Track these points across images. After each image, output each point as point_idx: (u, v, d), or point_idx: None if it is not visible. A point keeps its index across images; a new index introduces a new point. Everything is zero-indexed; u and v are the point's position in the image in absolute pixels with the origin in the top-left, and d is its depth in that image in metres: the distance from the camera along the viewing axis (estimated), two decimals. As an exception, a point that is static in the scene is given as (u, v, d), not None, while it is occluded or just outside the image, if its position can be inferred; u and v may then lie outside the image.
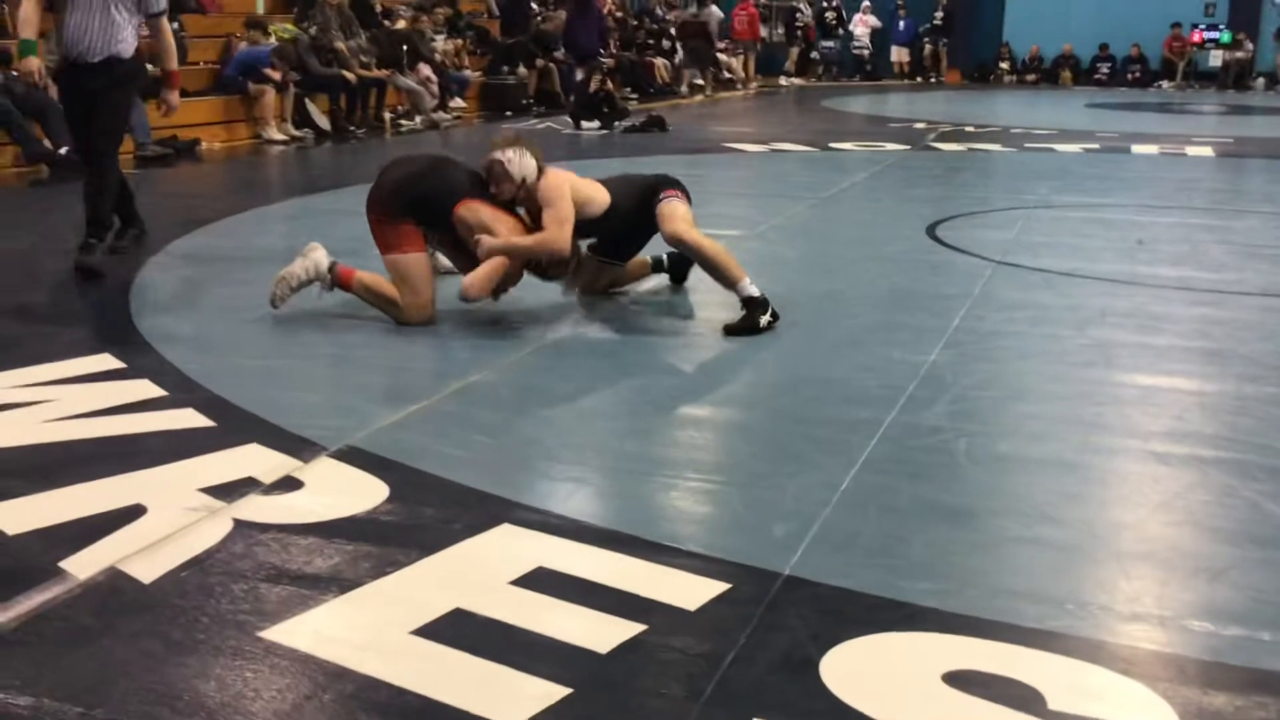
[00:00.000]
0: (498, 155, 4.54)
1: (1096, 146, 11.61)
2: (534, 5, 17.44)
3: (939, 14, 23.46)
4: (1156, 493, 3.07)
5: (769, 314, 4.50)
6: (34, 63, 5.33)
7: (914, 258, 6.03)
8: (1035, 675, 2.11)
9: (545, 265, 4.63)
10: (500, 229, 4.47)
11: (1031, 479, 3.13)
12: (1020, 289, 5.28)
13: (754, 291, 4.53)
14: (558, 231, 4.46)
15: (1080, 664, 2.18)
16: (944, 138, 12.34)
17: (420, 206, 4.48)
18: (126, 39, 5.33)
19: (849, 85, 22.14)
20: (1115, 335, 4.50)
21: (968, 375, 3.96)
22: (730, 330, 4.49)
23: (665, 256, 5.19)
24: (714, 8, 20.36)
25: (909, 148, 11.35)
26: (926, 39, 23.66)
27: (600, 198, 4.71)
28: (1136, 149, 11.44)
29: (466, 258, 4.56)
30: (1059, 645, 2.25)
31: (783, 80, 22.38)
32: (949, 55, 23.83)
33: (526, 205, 4.63)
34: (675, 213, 4.68)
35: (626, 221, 4.81)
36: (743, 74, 21.88)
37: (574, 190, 4.60)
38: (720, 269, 4.61)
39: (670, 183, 4.84)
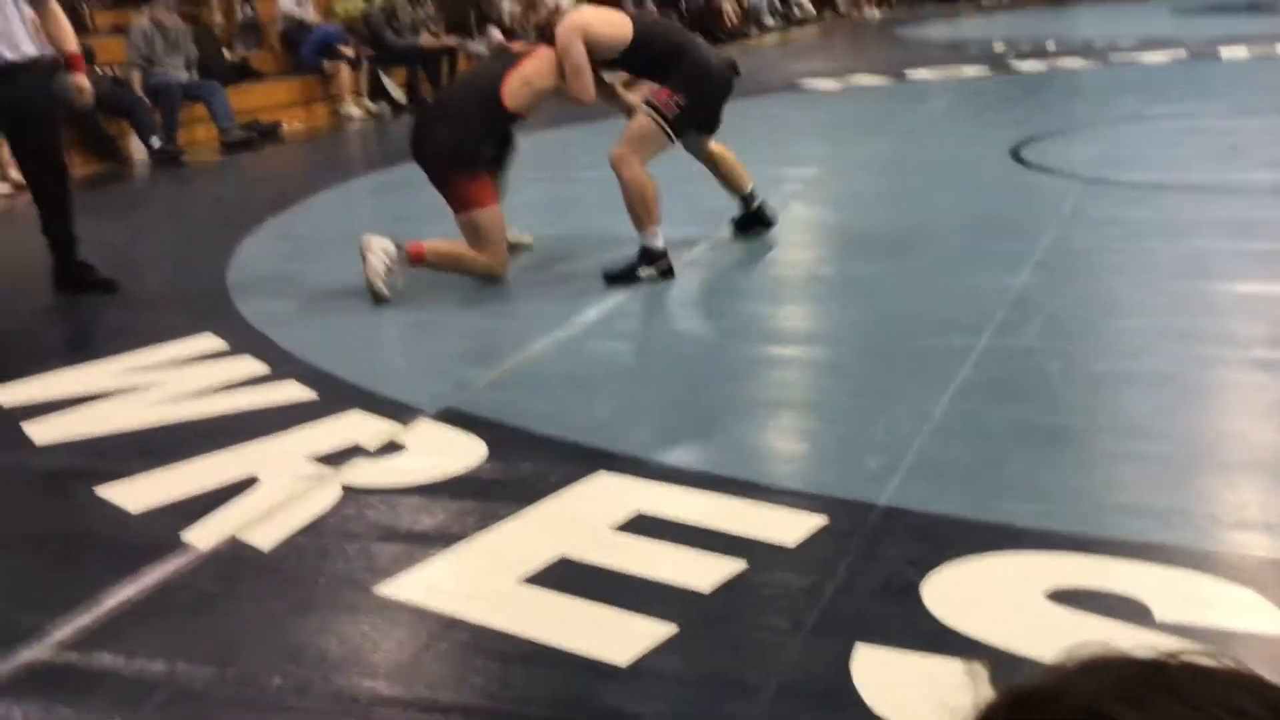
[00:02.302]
0: None
1: (1184, 54, 11.23)
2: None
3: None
4: (1259, 400, 3.01)
5: (655, 269, 4.39)
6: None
7: (999, 182, 5.94)
8: (1141, 588, 2.10)
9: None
10: (543, 71, 4.53)
11: (1129, 394, 3.09)
12: (1110, 205, 5.17)
13: (657, 244, 4.42)
14: (576, 83, 4.49)
15: (1187, 574, 2.17)
16: (1024, 58, 12.04)
17: (487, 128, 4.53)
18: (29, 33, 4.64)
19: (922, 11, 21.66)
20: (1210, 244, 4.40)
21: (1059, 296, 3.91)
22: (609, 276, 4.41)
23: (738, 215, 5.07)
24: None
25: (988, 71, 11.11)
26: None
27: (617, 35, 4.52)
28: (1226, 53, 11.04)
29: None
30: (1164, 557, 2.23)
31: (867, 11, 21.99)
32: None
33: (549, 34, 4.61)
34: (634, 131, 4.49)
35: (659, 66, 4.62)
36: (813, 10, 21.58)
37: (588, 29, 4.51)
38: (632, 210, 4.46)
39: (689, 74, 4.48)
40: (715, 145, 4.91)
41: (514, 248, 5.00)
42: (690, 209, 5.11)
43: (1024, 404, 3.04)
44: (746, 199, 5.01)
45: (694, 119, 4.59)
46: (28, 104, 4.63)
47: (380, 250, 4.43)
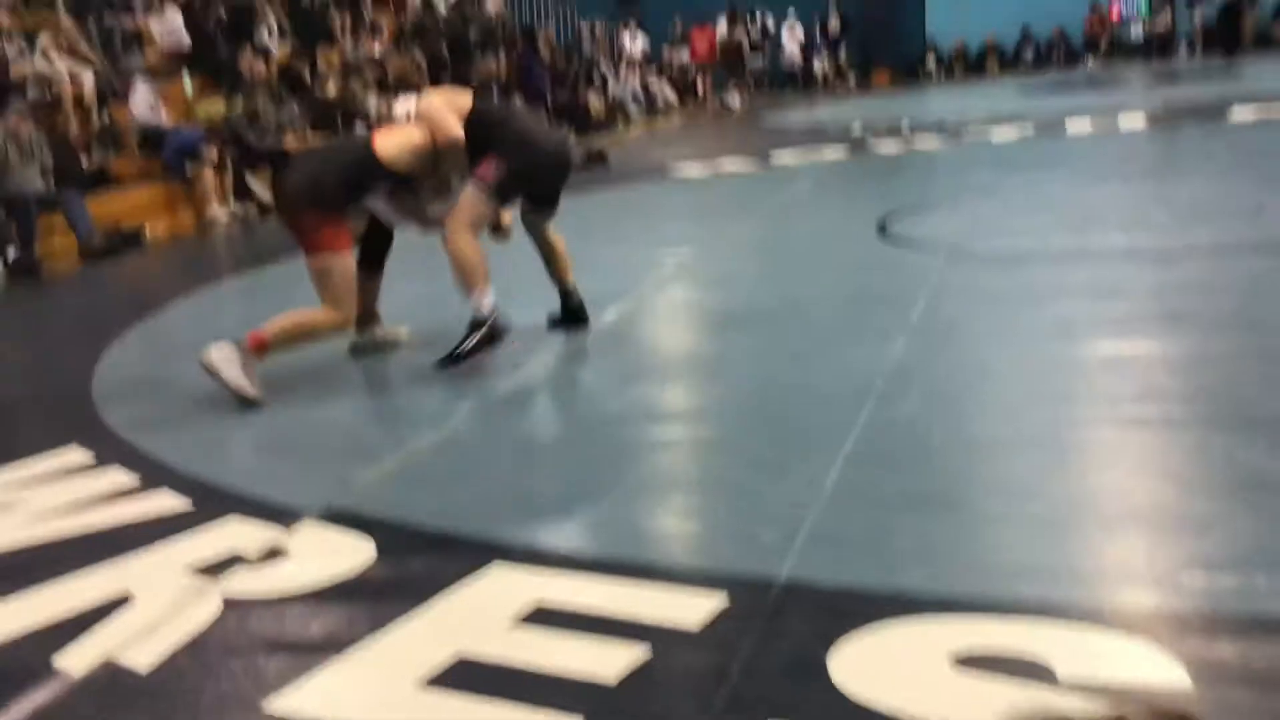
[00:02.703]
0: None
1: (1031, 130, 11.77)
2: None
3: (834, 22, 23.69)
4: (1133, 456, 3.10)
5: (483, 332, 4.38)
6: None
7: (866, 257, 6.09)
8: (1041, 647, 2.12)
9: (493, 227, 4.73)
10: (412, 130, 4.55)
11: (1008, 458, 3.15)
12: (974, 275, 5.34)
13: (484, 309, 4.40)
14: (443, 128, 4.48)
15: (1082, 630, 2.19)
16: (881, 139, 12.47)
17: (349, 171, 4.43)
18: None
19: (781, 99, 22.32)
20: (1074, 308, 4.55)
21: (934, 365, 4.00)
22: (443, 361, 4.42)
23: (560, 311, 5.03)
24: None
25: (848, 153, 11.46)
26: (825, 48, 23.86)
27: (460, 104, 4.60)
28: (1071, 127, 11.60)
29: (413, 200, 4.68)
30: (1058, 614, 2.25)
31: (728, 100, 22.54)
32: (865, 57, 24.08)
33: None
34: (458, 205, 4.48)
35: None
36: (675, 101, 22.15)
37: (447, 101, 4.62)
38: (458, 277, 4.46)
39: (511, 143, 4.50)
40: (552, 233, 4.92)
41: (390, 344, 4.94)
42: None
43: (910, 472, 3.08)
44: (566, 292, 4.99)
45: (519, 187, 4.59)
46: None
47: (225, 357, 4.27)
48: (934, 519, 2.77)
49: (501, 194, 4.53)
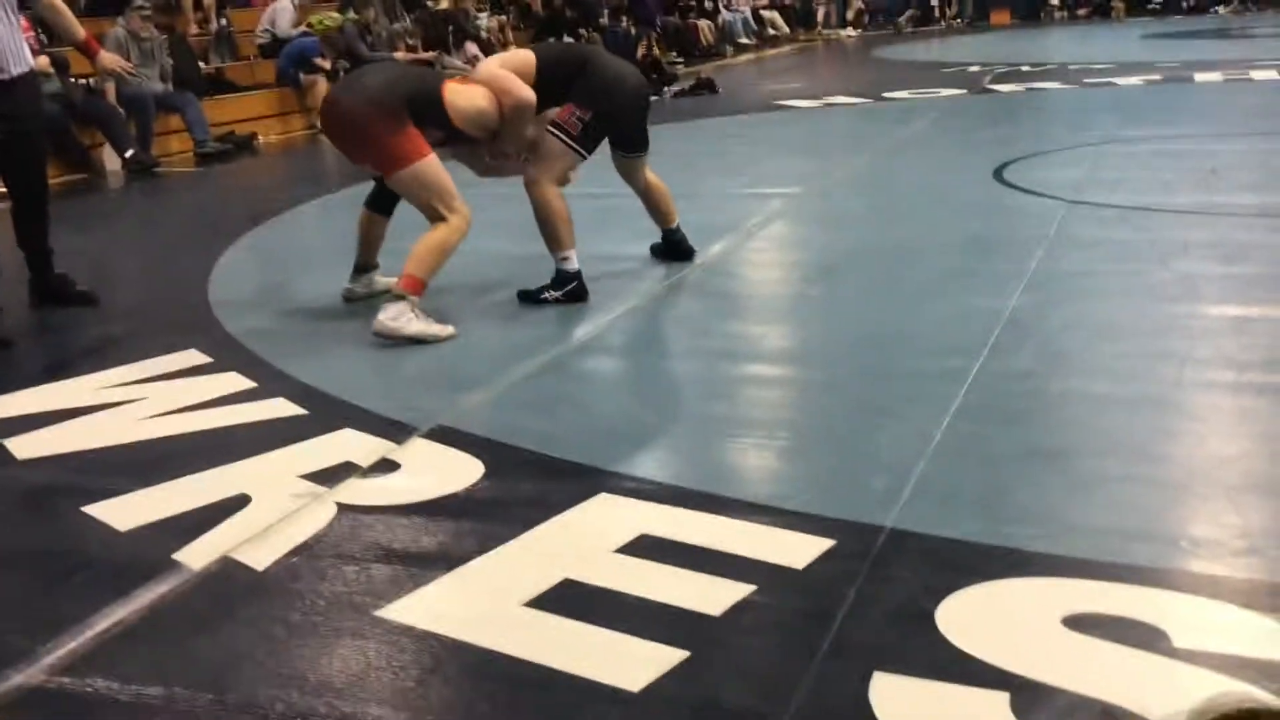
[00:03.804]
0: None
1: (1158, 78, 11.36)
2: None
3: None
4: (1258, 424, 3.01)
5: (560, 294, 4.38)
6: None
7: (983, 202, 5.95)
8: (1156, 614, 2.08)
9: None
10: (481, 98, 4.32)
11: (1128, 418, 3.08)
12: (1097, 226, 5.19)
13: (569, 268, 4.40)
14: (511, 92, 4.28)
15: (1200, 600, 2.15)
16: (1000, 79, 12.13)
17: (414, 101, 4.16)
18: (26, 47, 4.64)
19: (895, 34, 21.78)
20: (1200, 267, 4.41)
21: (1052, 318, 3.91)
22: (521, 294, 4.47)
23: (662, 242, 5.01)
24: None
25: (965, 92, 11.17)
26: None
27: (521, 63, 4.44)
28: (1200, 77, 11.17)
29: (471, 149, 4.53)
30: (1176, 582, 2.22)
31: (842, 32, 22.12)
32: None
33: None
34: (542, 153, 4.39)
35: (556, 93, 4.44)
36: (786, 29, 21.79)
37: (505, 63, 4.52)
38: (543, 232, 4.42)
39: (592, 88, 4.37)
40: (651, 176, 4.85)
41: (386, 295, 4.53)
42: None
43: (1025, 427, 3.03)
44: (669, 232, 4.97)
45: (602, 133, 4.50)
46: (25, 115, 4.56)
47: (398, 315, 4.02)
48: (1047, 476, 2.73)
49: (585, 142, 4.43)
